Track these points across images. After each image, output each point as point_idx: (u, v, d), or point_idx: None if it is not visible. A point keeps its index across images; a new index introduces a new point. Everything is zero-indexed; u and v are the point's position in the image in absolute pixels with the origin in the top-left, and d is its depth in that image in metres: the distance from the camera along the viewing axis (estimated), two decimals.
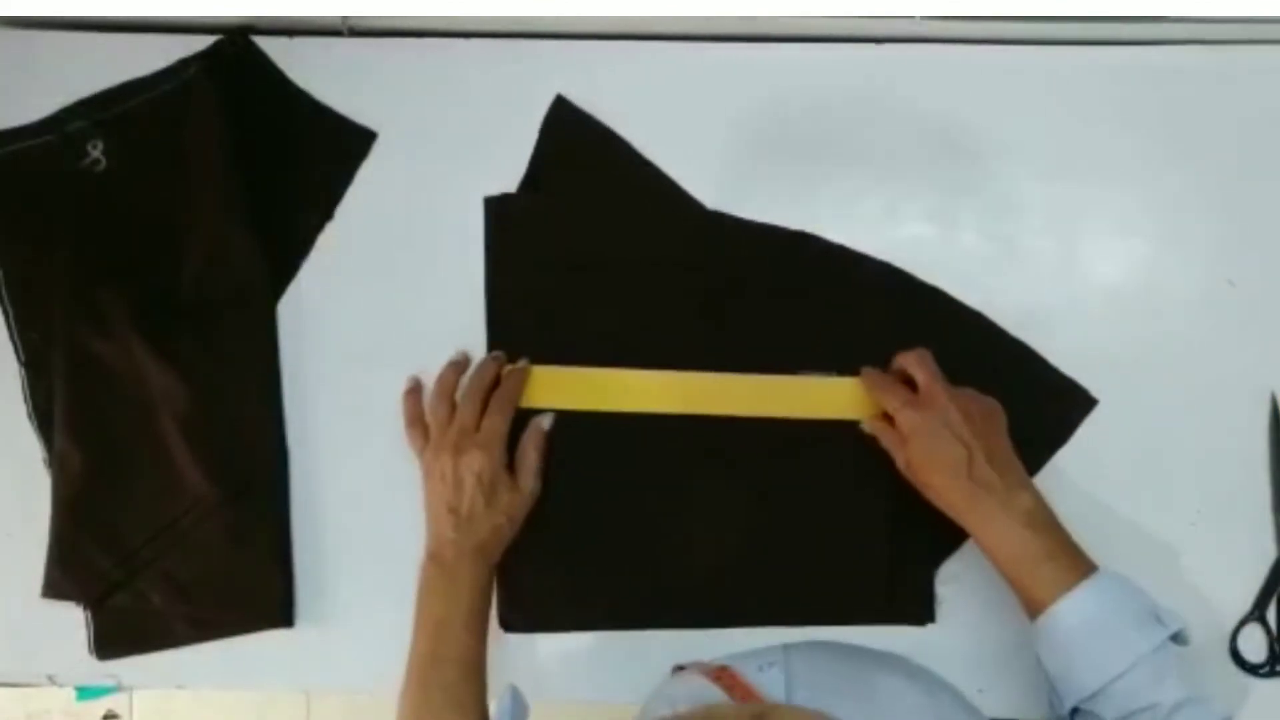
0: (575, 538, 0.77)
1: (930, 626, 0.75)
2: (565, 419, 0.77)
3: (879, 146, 0.78)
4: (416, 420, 0.76)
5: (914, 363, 0.71)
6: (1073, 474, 0.75)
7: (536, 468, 0.75)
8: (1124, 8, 0.74)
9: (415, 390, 0.77)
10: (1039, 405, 0.74)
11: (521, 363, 0.76)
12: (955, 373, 0.72)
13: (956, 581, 0.75)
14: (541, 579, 0.77)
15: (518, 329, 0.78)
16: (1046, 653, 0.65)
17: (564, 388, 0.77)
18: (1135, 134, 0.77)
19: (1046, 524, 0.67)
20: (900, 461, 0.70)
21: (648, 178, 0.78)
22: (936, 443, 0.67)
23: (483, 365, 0.76)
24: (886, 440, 0.72)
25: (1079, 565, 0.65)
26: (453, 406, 0.75)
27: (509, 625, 0.77)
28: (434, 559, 0.73)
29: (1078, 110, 0.77)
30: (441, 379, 0.76)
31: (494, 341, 0.78)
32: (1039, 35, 0.78)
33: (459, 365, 0.77)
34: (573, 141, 0.79)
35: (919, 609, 0.75)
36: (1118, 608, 0.64)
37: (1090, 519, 0.74)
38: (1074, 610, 0.63)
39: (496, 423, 0.73)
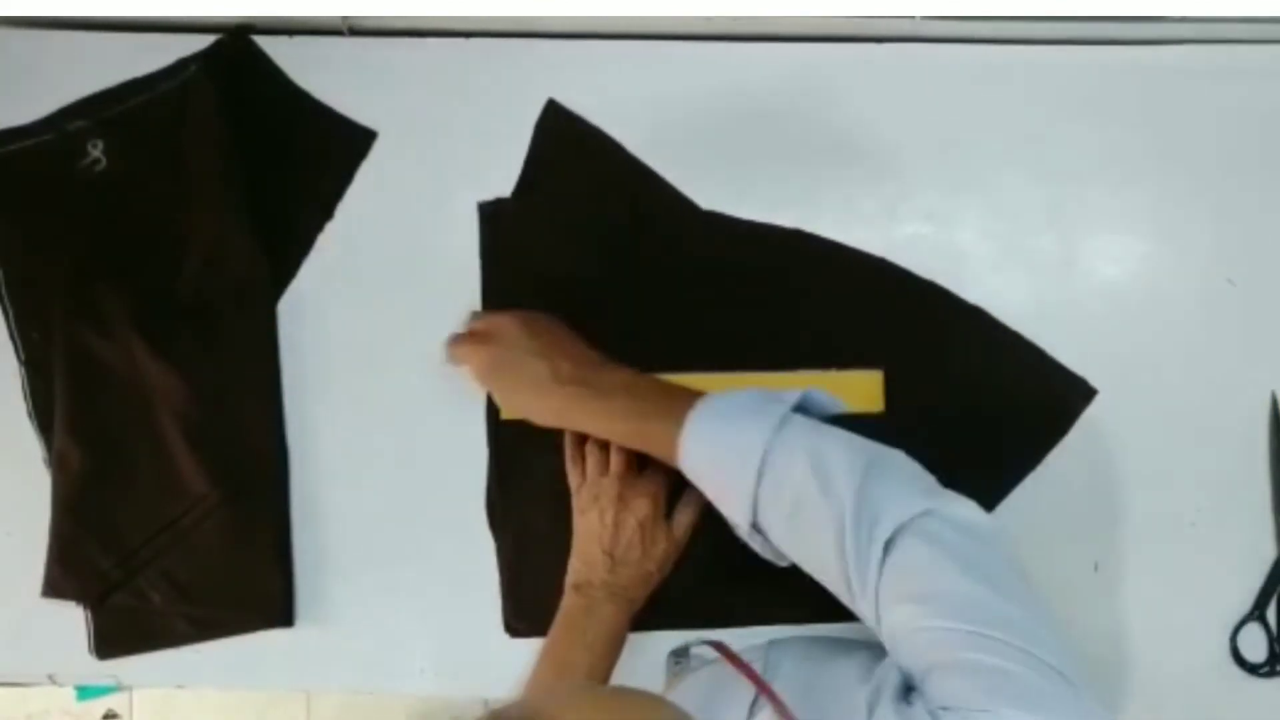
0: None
1: None
2: None
3: (879, 146, 0.78)
4: (578, 459, 0.75)
5: (477, 320, 0.73)
6: (1073, 474, 0.75)
7: (691, 523, 0.74)
8: (1124, 8, 0.74)
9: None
10: (1039, 397, 0.75)
11: None
12: (954, 367, 0.73)
13: None
14: (545, 584, 0.76)
15: None
16: (705, 491, 0.65)
17: None
18: (1135, 134, 0.77)
19: (648, 388, 0.67)
20: (501, 405, 0.71)
21: (641, 179, 0.78)
22: (516, 366, 0.69)
23: None
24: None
25: (692, 402, 0.64)
26: (608, 452, 0.74)
27: (515, 631, 0.77)
28: (580, 590, 0.72)
29: (1077, 110, 0.77)
30: None
31: None
32: (1039, 35, 0.78)
33: None
34: (565, 145, 0.79)
35: None
36: (731, 414, 0.62)
37: (1090, 519, 0.74)
38: (693, 437, 0.62)
39: (658, 471, 0.73)
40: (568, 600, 0.73)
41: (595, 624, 0.71)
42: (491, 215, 0.79)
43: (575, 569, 0.74)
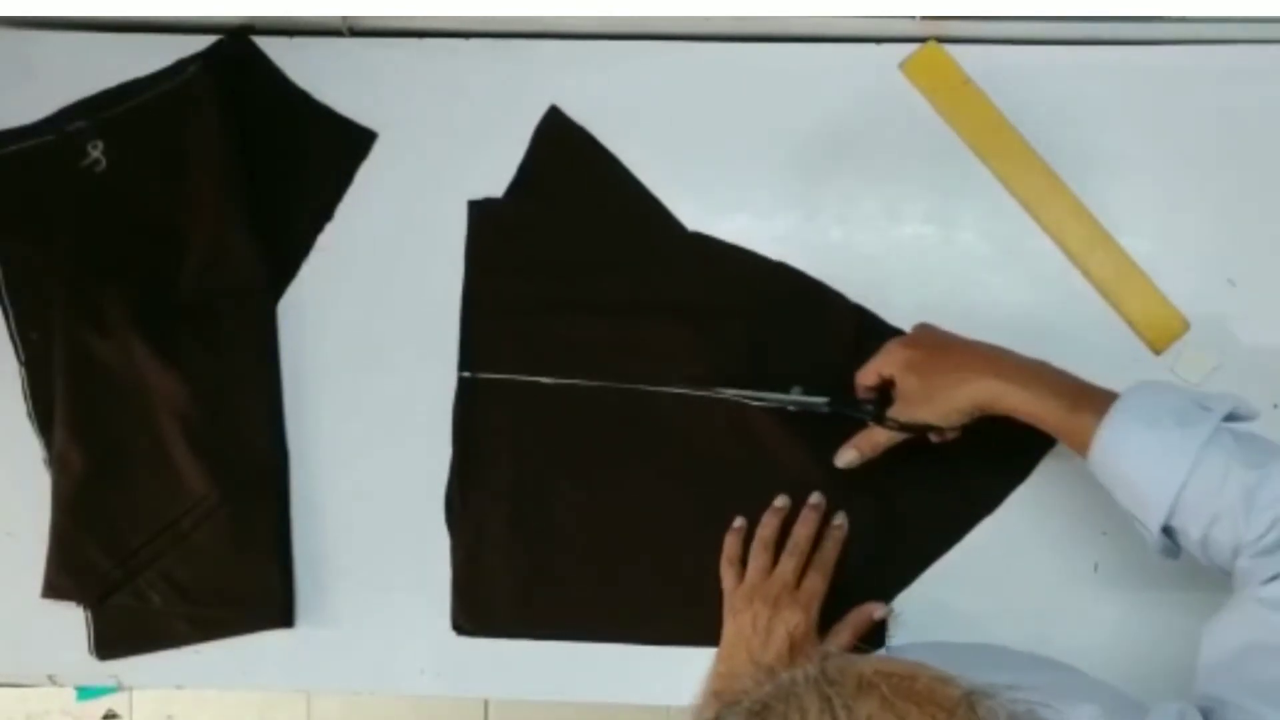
0: (530, 547, 0.77)
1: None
2: (530, 438, 0.77)
3: (879, 146, 0.78)
4: (735, 560, 0.74)
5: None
6: (1073, 473, 0.75)
7: (844, 649, 0.72)
8: (1124, 8, 0.74)
9: (740, 530, 0.75)
10: (997, 443, 0.73)
11: (839, 519, 0.75)
12: None
13: (903, 618, 0.75)
14: (495, 586, 0.77)
15: (487, 333, 0.78)
16: (1111, 488, 0.62)
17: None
18: (1134, 133, 0.77)
19: (1062, 373, 0.66)
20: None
21: (632, 194, 0.78)
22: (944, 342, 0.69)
23: (805, 519, 0.74)
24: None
25: (1110, 396, 0.62)
26: (773, 556, 0.73)
27: (462, 629, 0.77)
28: (720, 697, 0.71)
29: (1077, 110, 0.77)
30: (765, 525, 0.74)
31: (464, 343, 0.78)
32: (1038, 35, 0.78)
33: (781, 512, 0.75)
34: (562, 152, 0.79)
35: (869, 638, 0.74)
36: (1158, 418, 0.59)
37: (1090, 518, 0.74)
38: (1114, 433, 0.60)
39: (817, 583, 0.72)
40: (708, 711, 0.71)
41: None
42: (481, 214, 0.79)
43: (719, 677, 0.72)
